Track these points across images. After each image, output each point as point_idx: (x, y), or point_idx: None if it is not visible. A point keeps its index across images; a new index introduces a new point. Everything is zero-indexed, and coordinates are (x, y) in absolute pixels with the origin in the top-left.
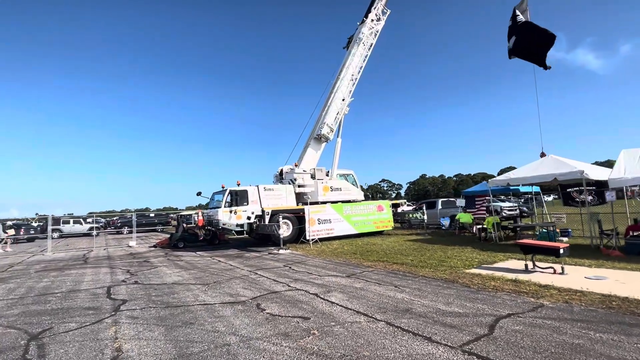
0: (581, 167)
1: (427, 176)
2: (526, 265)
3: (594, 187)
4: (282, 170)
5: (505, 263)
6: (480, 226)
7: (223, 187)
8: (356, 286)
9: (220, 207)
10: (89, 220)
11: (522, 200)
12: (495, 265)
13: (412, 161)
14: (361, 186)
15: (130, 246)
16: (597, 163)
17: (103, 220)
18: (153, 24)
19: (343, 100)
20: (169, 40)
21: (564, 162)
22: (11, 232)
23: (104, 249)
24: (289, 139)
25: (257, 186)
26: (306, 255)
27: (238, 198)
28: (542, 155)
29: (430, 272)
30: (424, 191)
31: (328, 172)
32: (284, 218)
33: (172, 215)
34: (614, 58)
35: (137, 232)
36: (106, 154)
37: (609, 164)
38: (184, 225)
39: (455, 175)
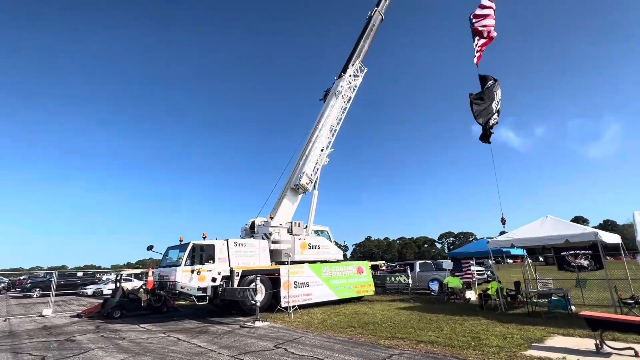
0: (591, 229)
1: (372, 238)
2: (597, 345)
3: (589, 251)
4: (253, 223)
5: (556, 340)
6: (469, 292)
7: (181, 241)
8: None
9: (178, 266)
10: None
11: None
12: (548, 344)
13: (357, 222)
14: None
15: (43, 315)
16: None
17: (6, 280)
18: (97, 70)
19: (322, 150)
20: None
21: (570, 224)
22: None
23: (4, 320)
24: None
25: (227, 240)
26: (293, 330)
27: (203, 254)
28: (503, 220)
29: (480, 356)
30: (369, 253)
31: (306, 226)
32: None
33: (99, 274)
34: (532, 137)
35: (54, 296)
36: (9, 203)
37: None
38: (124, 288)
39: (399, 239)
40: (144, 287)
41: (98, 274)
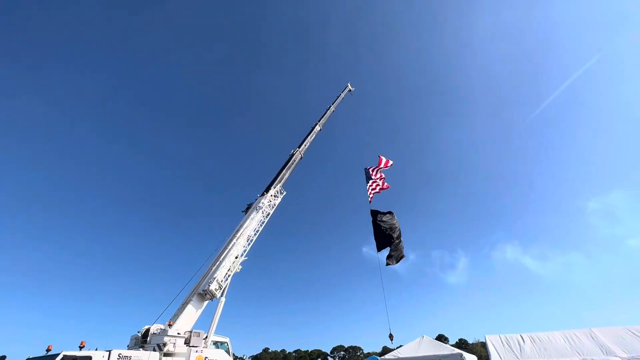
0: (458, 350)
1: (269, 350)
2: None
3: None
4: (147, 330)
5: None
6: None
7: (49, 350)
8: None
9: None
10: None
11: None
12: None
13: (255, 333)
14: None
15: None
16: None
17: None
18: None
19: (236, 257)
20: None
21: (441, 345)
22: None
23: None
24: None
25: (109, 352)
26: None
27: None
28: (391, 337)
29: None
30: None
31: (206, 337)
32: None
33: None
34: (406, 262)
35: None
36: None
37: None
38: None
39: (295, 351)
40: None
41: None
